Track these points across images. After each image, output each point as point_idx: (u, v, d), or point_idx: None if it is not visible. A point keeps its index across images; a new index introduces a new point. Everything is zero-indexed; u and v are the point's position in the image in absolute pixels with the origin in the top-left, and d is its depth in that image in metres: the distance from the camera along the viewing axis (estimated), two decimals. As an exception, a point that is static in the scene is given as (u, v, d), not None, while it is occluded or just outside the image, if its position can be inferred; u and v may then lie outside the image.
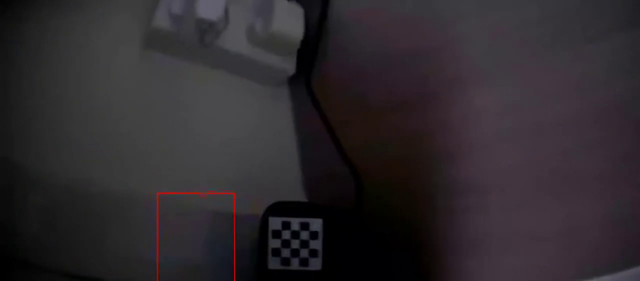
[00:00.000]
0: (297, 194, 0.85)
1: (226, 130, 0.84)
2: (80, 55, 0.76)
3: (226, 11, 0.77)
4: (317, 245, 0.64)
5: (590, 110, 0.43)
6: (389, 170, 0.71)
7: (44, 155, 0.68)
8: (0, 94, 0.67)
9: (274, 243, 0.63)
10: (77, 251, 0.65)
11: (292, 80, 0.91)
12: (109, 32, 0.79)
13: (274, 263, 0.63)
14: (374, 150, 0.73)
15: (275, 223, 0.63)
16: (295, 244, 0.64)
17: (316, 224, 0.64)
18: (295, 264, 0.63)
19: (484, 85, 0.59)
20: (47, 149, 0.69)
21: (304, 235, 0.64)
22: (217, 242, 0.73)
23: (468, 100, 0.61)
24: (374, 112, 0.74)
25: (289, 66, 0.86)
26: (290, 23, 0.81)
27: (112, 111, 0.75)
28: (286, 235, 0.63)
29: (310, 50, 0.87)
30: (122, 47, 0.79)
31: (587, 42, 0.44)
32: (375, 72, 0.75)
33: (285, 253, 0.63)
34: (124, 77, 0.79)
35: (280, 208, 0.64)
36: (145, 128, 0.77)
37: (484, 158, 0.58)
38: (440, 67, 0.65)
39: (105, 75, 0.77)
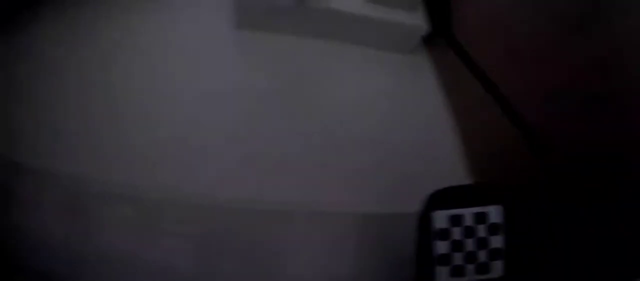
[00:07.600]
0: (455, 178, 0.67)
1: (358, 113, 0.70)
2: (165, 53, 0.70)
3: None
4: (498, 241, 0.45)
5: None
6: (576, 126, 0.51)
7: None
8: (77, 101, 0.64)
9: (441, 247, 0.45)
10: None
11: (428, 42, 0.75)
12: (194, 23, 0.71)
13: (442, 277, 0.45)
14: (554, 102, 0.54)
15: (440, 218, 0.45)
16: (470, 245, 0.45)
17: (495, 213, 0.45)
18: (469, 273, 0.45)
19: None
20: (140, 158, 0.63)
21: (481, 230, 0.44)
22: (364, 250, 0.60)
23: None
24: (546, 48, 0.55)
25: (420, 21, 0.69)
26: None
27: (211, 107, 0.67)
28: (457, 233, 0.44)
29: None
30: (210, 39, 0.71)
31: None
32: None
33: (458, 259, 0.44)
34: (218, 66, 0.69)
35: (445, 197, 0.45)
36: (251, 125, 0.66)
37: None
38: None
39: (195, 69, 0.69)
